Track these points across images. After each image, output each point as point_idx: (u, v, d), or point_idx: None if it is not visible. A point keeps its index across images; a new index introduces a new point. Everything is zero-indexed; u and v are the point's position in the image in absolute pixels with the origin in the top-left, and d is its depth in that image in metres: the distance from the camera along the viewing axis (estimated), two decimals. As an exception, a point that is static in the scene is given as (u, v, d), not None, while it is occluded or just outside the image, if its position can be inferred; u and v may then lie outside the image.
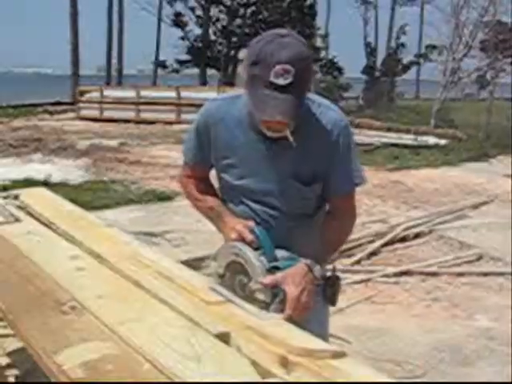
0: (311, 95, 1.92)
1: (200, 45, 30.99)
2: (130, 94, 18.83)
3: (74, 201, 3.08)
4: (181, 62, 31.84)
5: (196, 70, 32.67)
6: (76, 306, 1.63)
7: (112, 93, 19.80)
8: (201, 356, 1.35)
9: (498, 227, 6.95)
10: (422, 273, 5.20)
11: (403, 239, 6.13)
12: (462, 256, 5.72)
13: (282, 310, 1.69)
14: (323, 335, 1.91)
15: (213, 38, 31.18)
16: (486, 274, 5.30)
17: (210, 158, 2.01)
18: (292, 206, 1.93)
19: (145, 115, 17.95)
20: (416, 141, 13.05)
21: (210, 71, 31.81)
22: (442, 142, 13.78)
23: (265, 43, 1.71)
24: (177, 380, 1.26)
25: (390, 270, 5.19)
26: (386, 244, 5.86)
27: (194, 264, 4.57)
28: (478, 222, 7.15)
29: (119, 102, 18.54)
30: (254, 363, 1.35)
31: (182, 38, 31.01)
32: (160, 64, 33.21)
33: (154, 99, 18.05)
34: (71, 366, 1.32)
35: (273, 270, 1.76)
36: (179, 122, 16.47)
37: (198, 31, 31.35)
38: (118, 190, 7.81)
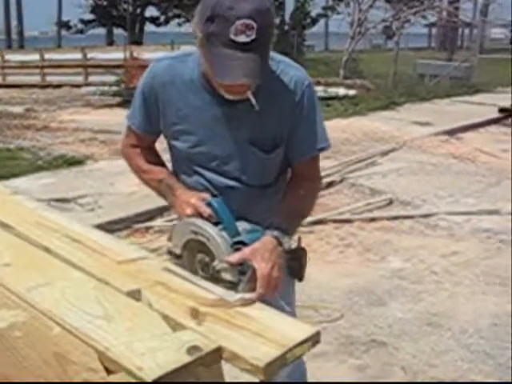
0: (287, 59, 1.81)
1: (105, 3, 29.97)
2: (33, 57, 18.06)
3: (-24, 170, 2.96)
4: (85, 22, 30.79)
5: (102, 30, 31.70)
6: (-20, 276, 1.58)
7: (14, 57, 18.93)
8: (111, 314, 1.35)
9: (407, 173, 7.23)
10: (335, 220, 5.36)
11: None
12: (373, 202, 5.92)
13: (251, 289, 1.53)
14: (291, 313, 1.85)
15: (117, -5, 30.22)
16: (396, 218, 5.52)
17: (158, 124, 1.85)
18: (251, 174, 1.80)
19: (50, 79, 17.32)
20: (326, 92, 13.20)
21: (117, 30, 30.91)
22: (352, 92, 14.01)
23: None
24: (88, 340, 1.26)
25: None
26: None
27: (108, 227, 4.52)
28: (387, 168, 7.40)
29: (22, 66, 17.76)
30: (166, 317, 1.36)
31: (85, -3, 29.89)
32: (63, 25, 31.96)
33: (59, 62, 17.40)
34: (-23, 337, 1.29)
35: (237, 245, 1.60)
36: (87, 85, 16.00)
37: (101, -11, 30.28)
38: (26, 158, 7.54)
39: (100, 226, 4.18)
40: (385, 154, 8.17)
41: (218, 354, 1.24)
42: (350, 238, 4.98)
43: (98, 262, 1.67)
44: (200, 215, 1.67)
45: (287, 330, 1.35)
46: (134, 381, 1.14)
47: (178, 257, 1.70)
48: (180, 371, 1.15)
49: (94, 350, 1.22)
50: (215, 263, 1.59)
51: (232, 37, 1.49)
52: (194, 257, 1.67)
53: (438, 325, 3.58)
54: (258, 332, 1.33)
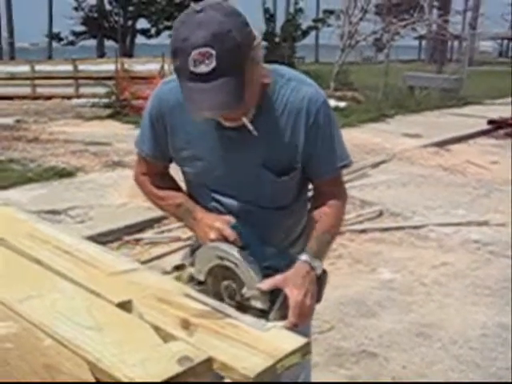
0: (280, 68, 1.68)
1: (96, 15, 30.02)
2: (23, 68, 18.00)
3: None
4: (76, 34, 30.81)
5: (93, 42, 31.71)
6: (-29, 288, 1.58)
7: (4, 68, 18.87)
8: (102, 326, 1.36)
9: (397, 184, 7.26)
10: (326, 232, 5.35)
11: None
12: (363, 213, 5.94)
13: (282, 317, 1.47)
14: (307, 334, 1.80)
15: (108, 7, 30.29)
16: (386, 229, 5.54)
17: (167, 150, 1.75)
18: (266, 197, 1.71)
19: (41, 90, 17.24)
20: (317, 104, 13.25)
21: (108, 42, 30.96)
22: (342, 104, 14.08)
23: (179, 26, 1.43)
24: (79, 351, 1.26)
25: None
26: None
27: (99, 239, 4.51)
28: (377, 180, 7.44)
29: (13, 77, 17.72)
30: (157, 328, 1.37)
31: (76, 9, 29.94)
32: (54, 36, 31.94)
33: (50, 73, 17.38)
34: (-32, 348, 1.29)
35: (266, 270, 1.53)
36: (78, 96, 16.00)
37: (92, 1, 30.38)
38: (16, 169, 7.51)
39: (91, 238, 4.17)
40: (375, 165, 8.21)
41: (208, 364, 1.25)
42: (340, 249, 4.99)
43: (89, 273, 1.67)
44: (225, 239, 1.57)
45: (277, 340, 1.36)
46: (125, 391, 1.15)
47: (200, 283, 1.61)
48: (171, 382, 1.16)
49: (85, 362, 1.23)
50: (244, 290, 1.51)
51: (192, 69, 1.39)
52: (219, 283, 1.57)
53: (427, 335, 3.59)
54: (249, 343, 1.34)
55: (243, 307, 1.51)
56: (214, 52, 1.37)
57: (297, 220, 1.83)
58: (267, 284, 1.49)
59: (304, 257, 1.57)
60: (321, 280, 1.63)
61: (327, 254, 1.71)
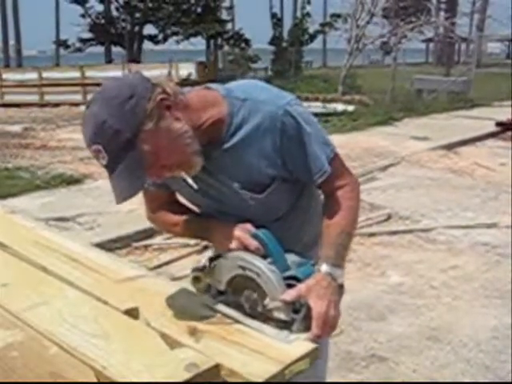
0: (229, 89, 1.60)
1: (102, 22, 30.17)
2: (31, 76, 18.14)
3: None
4: (84, 41, 30.94)
5: (100, 49, 31.85)
6: (-22, 296, 1.58)
7: (12, 75, 19.01)
8: (109, 333, 1.35)
9: (406, 187, 7.24)
10: (334, 236, 5.34)
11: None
12: (372, 217, 5.92)
13: (305, 328, 1.43)
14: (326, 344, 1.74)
15: (115, 14, 30.43)
16: (395, 233, 5.52)
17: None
18: (259, 215, 1.66)
19: (49, 97, 17.39)
20: (325, 108, 13.27)
21: (115, 49, 31.09)
22: (350, 108, 14.09)
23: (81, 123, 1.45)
24: (85, 359, 1.26)
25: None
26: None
27: (107, 245, 4.52)
28: (386, 183, 7.41)
29: (20, 85, 17.84)
30: (163, 335, 1.36)
31: (83, 16, 30.09)
32: (62, 43, 32.14)
33: (58, 80, 17.48)
34: (-26, 357, 1.29)
35: (288, 280, 1.48)
36: (85, 103, 16.05)
37: (99, 7, 30.52)
38: (24, 177, 7.54)
39: (99, 245, 4.19)
40: (384, 169, 8.19)
41: (215, 370, 1.24)
42: (349, 253, 4.96)
43: (96, 280, 1.67)
44: (245, 248, 1.53)
45: (285, 346, 1.35)
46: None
47: (220, 293, 1.56)
48: (177, 389, 1.16)
49: (91, 369, 1.23)
50: (267, 301, 1.46)
51: (100, 164, 1.43)
52: (239, 293, 1.52)
53: (437, 339, 3.57)
54: (256, 349, 1.33)
55: (264, 317, 1.47)
56: (100, 147, 1.38)
57: (304, 222, 1.79)
58: (291, 295, 1.44)
59: (324, 267, 1.52)
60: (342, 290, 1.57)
61: (347, 254, 1.63)
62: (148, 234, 5.26)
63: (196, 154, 1.49)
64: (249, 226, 1.58)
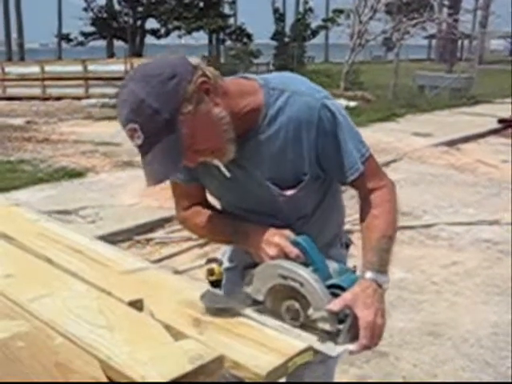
0: (266, 79, 1.56)
1: (105, 15, 30.14)
2: (33, 69, 18.09)
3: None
4: (86, 35, 30.92)
5: (103, 42, 31.84)
6: (-17, 287, 1.59)
7: (14, 69, 18.98)
8: (113, 324, 1.36)
9: (408, 183, 7.24)
10: (336, 231, 5.35)
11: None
12: (373, 213, 5.91)
13: (352, 339, 1.37)
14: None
15: (118, 8, 30.39)
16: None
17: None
18: (283, 211, 1.62)
19: (51, 91, 17.34)
20: (327, 104, 13.23)
21: (117, 43, 31.05)
22: (352, 103, 14.06)
23: (116, 103, 1.43)
24: (90, 349, 1.27)
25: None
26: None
27: (110, 239, 4.52)
28: (388, 179, 7.40)
29: (23, 78, 17.81)
30: (167, 326, 1.37)
31: (85, 9, 30.06)
32: (64, 37, 32.12)
33: (60, 74, 17.45)
34: (-20, 347, 1.30)
35: (332, 289, 1.41)
36: (88, 97, 16.08)
37: (101, 1, 30.51)
38: (27, 170, 7.55)
39: (101, 238, 4.18)
40: (386, 165, 8.18)
41: (219, 362, 1.25)
42: (350, 249, 4.97)
43: (100, 272, 1.68)
44: (286, 256, 1.47)
45: (288, 339, 1.36)
46: (136, 389, 1.15)
47: (259, 303, 1.50)
48: (182, 380, 1.16)
49: (96, 360, 1.24)
50: (310, 311, 1.40)
51: (133, 145, 1.38)
52: (279, 303, 1.46)
53: (438, 334, 3.58)
54: (260, 341, 1.34)
55: (307, 328, 1.41)
56: (137, 126, 1.35)
57: (326, 221, 1.76)
58: (337, 305, 1.37)
59: (368, 274, 1.46)
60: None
61: (390, 259, 1.55)
62: (150, 227, 5.27)
63: (230, 142, 1.46)
64: (288, 232, 1.53)
